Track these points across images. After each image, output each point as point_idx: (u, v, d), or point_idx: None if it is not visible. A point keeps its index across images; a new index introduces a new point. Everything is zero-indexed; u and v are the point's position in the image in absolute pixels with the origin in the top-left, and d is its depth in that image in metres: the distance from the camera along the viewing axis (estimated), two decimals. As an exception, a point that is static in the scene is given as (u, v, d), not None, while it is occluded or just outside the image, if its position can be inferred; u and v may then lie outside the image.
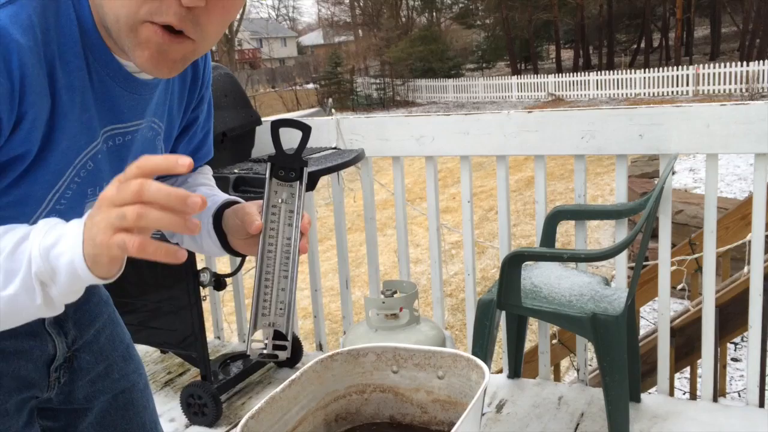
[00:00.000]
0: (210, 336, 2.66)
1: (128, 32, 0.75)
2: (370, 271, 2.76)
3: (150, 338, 2.43)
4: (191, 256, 2.27)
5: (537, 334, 2.57)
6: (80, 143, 0.81)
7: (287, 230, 0.84)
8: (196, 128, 1.05)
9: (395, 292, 2.12)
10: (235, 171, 2.25)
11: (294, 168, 0.86)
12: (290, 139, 0.93)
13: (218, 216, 0.97)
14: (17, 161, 0.76)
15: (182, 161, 0.67)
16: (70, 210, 0.85)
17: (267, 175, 0.86)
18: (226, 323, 3.12)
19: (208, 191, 1.06)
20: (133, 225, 0.65)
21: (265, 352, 0.81)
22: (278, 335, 0.82)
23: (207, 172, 1.13)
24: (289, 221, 0.85)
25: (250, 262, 2.80)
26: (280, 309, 0.82)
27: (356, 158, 2.38)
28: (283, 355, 0.81)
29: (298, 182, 0.86)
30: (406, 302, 2.07)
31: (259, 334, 0.83)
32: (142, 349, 2.94)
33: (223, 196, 1.02)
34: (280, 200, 0.85)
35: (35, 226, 0.73)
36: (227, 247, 0.97)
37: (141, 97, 0.87)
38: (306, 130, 0.88)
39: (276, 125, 0.87)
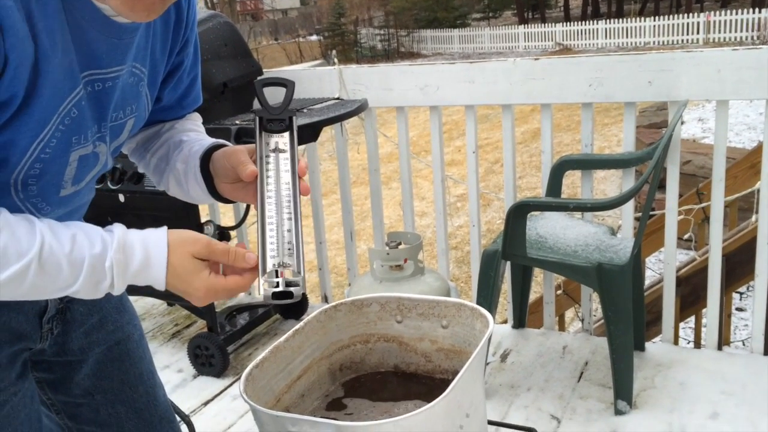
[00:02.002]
0: (216, 288, 2.67)
1: None
2: (375, 224, 2.76)
3: (156, 291, 2.44)
4: (194, 208, 2.27)
5: (542, 285, 2.57)
6: (64, 89, 0.79)
7: (285, 176, 0.86)
8: (182, 73, 1.01)
9: (399, 244, 2.12)
10: (237, 122, 2.22)
11: (282, 119, 0.88)
12: (282, 92, 0.93)
13: (205, 160, 0.96)
14: (2, 108, 0.74)
15: (250, 257, 0.83)
16: (54, 159, 0.83)
17: (256, 129, 0.88)
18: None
19: (195, 136, 1.04)
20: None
21: (278, 290, 0.81)
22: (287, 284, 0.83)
23: (196, 118, 1.11)
24: (285, 168, 0.86)
25: (254, 214, 2.79)
26: (288, 249, 0.83)
27: (359, 108, 2.34)
28: (298, 291, 0.82)
29: (288, 132, 0.88)
30: (410, 253, 2.07)
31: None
32: (149, 302, 2.97)
33: (210, 140, 1.01)
34: (272, 150, 0.87)
35: (107, 246, 0.79)
36: (214, 192, 0.97)
37: (120, 42, 0.84)
38: (290, 85, 0.92)
39: (260, 84, 0.91)
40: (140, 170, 1.09)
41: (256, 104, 2.56)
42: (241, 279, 0.84)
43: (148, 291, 2.41)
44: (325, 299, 2.93)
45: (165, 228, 0.84)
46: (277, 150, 0.88)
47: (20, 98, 0.74)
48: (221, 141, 1.00)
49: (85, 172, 0.89)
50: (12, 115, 0.75)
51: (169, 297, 2.58)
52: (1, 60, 0.70)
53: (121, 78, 0.87)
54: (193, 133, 1.05)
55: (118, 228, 0.81)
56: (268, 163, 0.87)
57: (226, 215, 4.02)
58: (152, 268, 0.81)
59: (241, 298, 2.95)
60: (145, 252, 0.81)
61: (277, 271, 0.82)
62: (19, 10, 0.70)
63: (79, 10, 0.78)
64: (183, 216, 2.19)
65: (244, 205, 2.66)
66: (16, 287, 0.75)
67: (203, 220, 2.32)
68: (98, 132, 0.87)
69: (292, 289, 0.81)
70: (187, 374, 2.39)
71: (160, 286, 0.82)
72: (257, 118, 0.88)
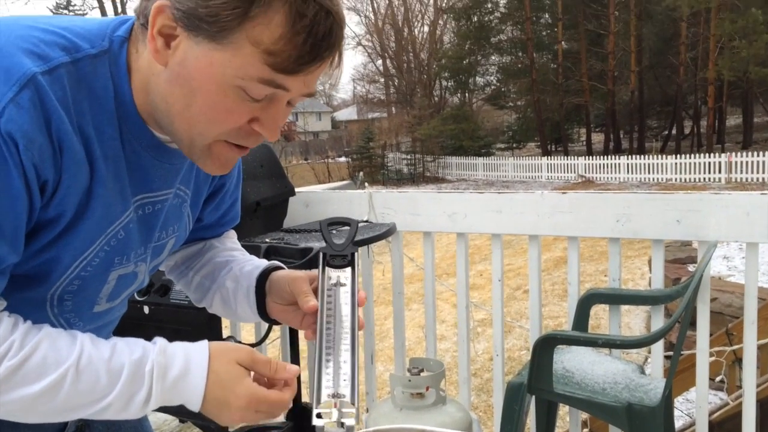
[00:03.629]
0: (230, 406, 2.61)
1: (201, 148, 0.79)
2: (396, 347, 2.71)
3: (168, 407, 2.39)
4: (217, 323, 2.26)
5: (566, 421, 2.47)
6: (114, 213, 0.82)
7: (344, 308, 0.89)
8: (224, 195, 1.05)
9: (422, 370, 2.07)
10: (267, 240, 2.25)
11: (345, 255, 0.93)
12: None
13: (261, 279, 0.99)
14: (50, 225, 0.76)
15: (291, 369, 0.83)
16: (93, 277, 0.84)
17: (320, 265, 0.92)
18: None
19: (241, 255, 1.07)
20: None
21: (333, 421, 0.81)
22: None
23: (232, 236, 1.14)
24: (345, 301, 0.89)
25: (275, 331, 2.77)
26: (344, 380, 0.84)
27: (388, 232, 2.38)
28: (351, 422, 0.82)
29: (350, 268, 0.92)
30: (433, 381, 2.01)
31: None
32: (160, 417, 2.89)
33: (263, 261, 1.04)
34: (333, 285, 0.91)
35: (147, 353, 0.79)
36: (262, 310, 0.98)
37: (172, 167, 0.88)
38: (353, 223, 0.98)
39: (325, 224, 0.97)
40: (179, 287, 1.11)
41: (287, 223, 2.62)
42: (282, 394, 0.82)
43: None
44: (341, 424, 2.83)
45: (206, 340, 0.84)
46: (338, 284, 0.91)
47: (68, 218, 0.77)
48: (277, 263, 1.03)
49: (121, 290, 0.91)
50: (59, 233, 0.77)
51: (182, 413, 2.52)
52: (56, 178, 0.73)
53: (169, 200, 0.90)
54: (238, 252, 1.08)
55: (159, 339, 0.82)
56: (329, 296, 0.90)
57: (246, 330, 4.00)
58: (192, 374, 0.79)
59: (255, 417, 2.87)
60: (185, 357, 0.79)
61: (331, 402, 0.83)
62: (77, 135, 0.74)
63: (136, 137, 0.81)
64: (206, 330, 2.18)
65: (266, 324, 2.65)
66: (51, 398, 0.74)
67: (225, 335, 2.30)
68: (143, 253, 0.89)
69: (345, 420, 0.81)
70: (192, 497, 2.29)
71: (198, 398, 0.79)
72: (321, 255, 0.92)
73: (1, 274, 0.73)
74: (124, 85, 0.79)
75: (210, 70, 0.73)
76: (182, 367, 0.79)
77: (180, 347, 0.80)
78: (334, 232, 0.99)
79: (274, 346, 3.08)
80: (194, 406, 0.79)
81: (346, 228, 0.98)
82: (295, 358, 2.56)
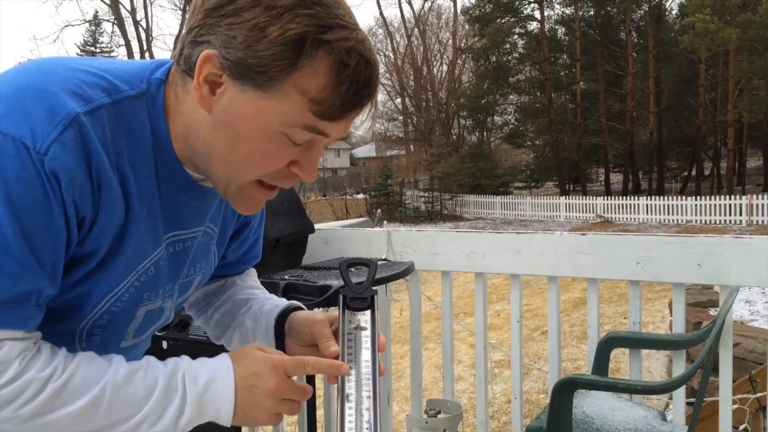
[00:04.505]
0: (245, 444, 2.58)
1: (235, 189, 0.82)
2: (413, 387, 2.68)
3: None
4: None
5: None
6: (146, 249, 0.83)
7: (365, 353, 0.89)
8: (248, 233, 1.07)
9: (439, 412, 2.05)
10: (286, 277, 2.26)
11: (365, 297, 0.92)
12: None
13: (280, 319, 1.00)
14: (84, 260, 0.78)
15: (344, 369, 0.85)
16: (123, 313, 0.86)
17: (340, 308, 0.92)
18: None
19: (261, 294, 1.07)
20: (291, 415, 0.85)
21: None
22: None
23: (253, 273, 1.15)
24: (366, 345, 0.89)
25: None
26: (367, 429, 0.83)
27: (406, 271, 2.38)
28: None
29: (369, 310, 0.92)
30: (450, 424, 1.99)
31: None
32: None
33: (283, 301, 1.05)
34: (354, 328, 0.91)
35: (179, 365, 0.82)
36: (280, 350, 0.97)
37: (203, 204, 0.90)
38: (372, 265, 0.97)
39: (344, 265, 0.97)
40: (198, 323, 1.12)
41: (306, 260, 2.63)
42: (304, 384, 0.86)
43: None
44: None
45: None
46: (358, 327, 0.91)
47: (103, 253, 0.79)
48: (296, 303, 1.04)
49: (148, 326, 0.92)
50: (93, 268, 0.79)
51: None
52: (94, 215, 0.75)
53: (198, 238, 0.92)
54: (258, 290, 1.09)
55: (184, 356, 0.85)
56: (349, 340, 0.90)
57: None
58: (220, 376, 0.81)
59: (269, 456, 2.84)
60: (210, 362, 0.83)
61: None
62: (115, 174, 0.77)
63: (170, 176, 0.84)
64: (222, 366, 2.18)
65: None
66: (91, 415, 0.76)
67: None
68: (171, 289, 0.91)
69: None
70: None
71: (230, 395, 0.81)
72: (341, 297, 0.92)
73: (39, 307, 0.75)
74: (162, 126, 0.81)
75: (257, 117, 0.76)
76: (210, 371, 0.82)
77: (203, 359, 0.84)
78: (352, 270, 0.99)
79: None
80: (227, 405, 0.81)
81: (366, 267, 0.98)
82: (311, 400, 2.54)
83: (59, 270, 0.76)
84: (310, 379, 2.53)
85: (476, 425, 2.57)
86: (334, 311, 0.95)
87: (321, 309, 1.98)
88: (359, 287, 0.93)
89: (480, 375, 2.55)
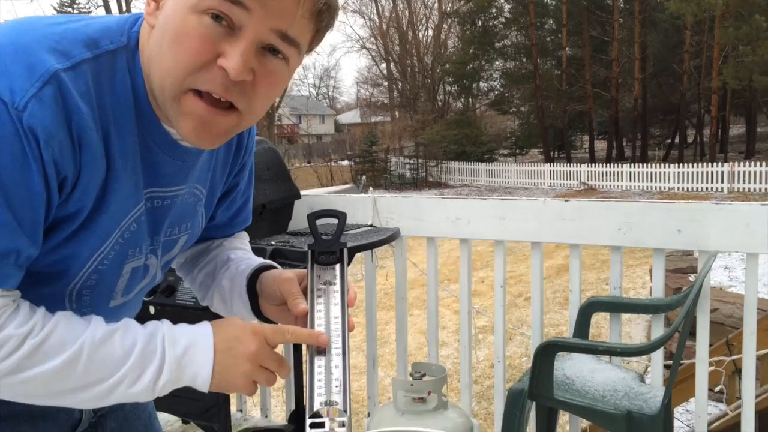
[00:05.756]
0: (232, 408, 2.63)
1: (172, 101, 0.78)
2: (398, 352, 2.73)
3: (172, 407, 2.41)
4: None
5: (564, 429, 2.49)
6: (128, 206, 0.83)
7: (334, 309, 0.86)
8: (236, 194, 1.07)
9: (424, 375, 2.09)
10: (272, 243, 2.28)
11: (333, 251, 0.89)
12: (325, 218, 0.95)
13: (253, 279, 0.99)
14: (68, 220, 0.78)
15: (323, 339, 0.83)
16: (110, 271, 0.86)
17: (309, 262, 0.89)
18: (250, 399, 3.08)
19: (242, 254, 1.08)
20: (266, 385, 0.84)
21: (326, 430, 0.79)
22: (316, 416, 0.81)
23: (243, 237, 1.15)
24: (335, 300, 0.86)
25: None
26: (336, 387, 0.81)
27: (392, 237, 2.40)
28: (343, 431, 0.80)
29: (339, 264, 0.88)
30: (434, 386, 2.03)
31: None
32: (164, 418, 2.91)
33: (258, 260, 1.05)
34: (323, 283, 0.87)
35: (158, 327, 0.82)
36: (257, 311, 0.98)
37: (183, 164, 0.89)
38: (341, 216, 0.92)
39: (312, 217, 0.91)
40: (186, 284, 1.13)
41: (292, 226, 2.64)
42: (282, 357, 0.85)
43: (164, 407, 2.38)
44: (342, 427, 2.85)
45: None
46: (328, 282, 0.87)
47: (86, 212, 0.79)
48: (269, 262, 1.03)
49: (134, 284, 0.93)
50: (77, 228, 0.79)
51: (185, 414, 2.54)
52: (76, 174, 0.75)
53: (180, 197, 0.92)
54: (240, 251, 1.09)
55: (165, 320, 0.85)
56: (318, 296, 0.86)
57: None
58: (200, 340, 0.81)
59: (257, 420, 2.89)
60: (191, 327, 0.83)
61: (324, 411, 0.80)
62: (98, 131, 0.76)
63: (150, 134, 0.83)
64: (210, 331, 2.20)
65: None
66: (68, 373, 0.76)
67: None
68: (151, 245, 0.91)
69: (338, 429, 0.79)
70: (194, 497, 2.30)
71: (208, 358, 0.81)
72: (309, 252, 0.89)
73: (18, 267, 0.75)
74: (140, 81, 0.80)
75: (175, 7, 0.76)
76: (190, 335, 0.82)
77: (183, 325, 0.84)
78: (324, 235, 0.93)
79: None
80: (206, 370, 0.80)
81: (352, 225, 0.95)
82: (297, 358, 2.58)
83: (39, 230, 0.75)
84: (297, 344, 2.56)
85: (460, 389, 2.63)
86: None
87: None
88: (328, 242, 0.89)
89: (464, 340, 2.59)
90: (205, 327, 0.83)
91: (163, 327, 0.82)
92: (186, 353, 0.80)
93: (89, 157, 0.75)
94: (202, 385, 0.81)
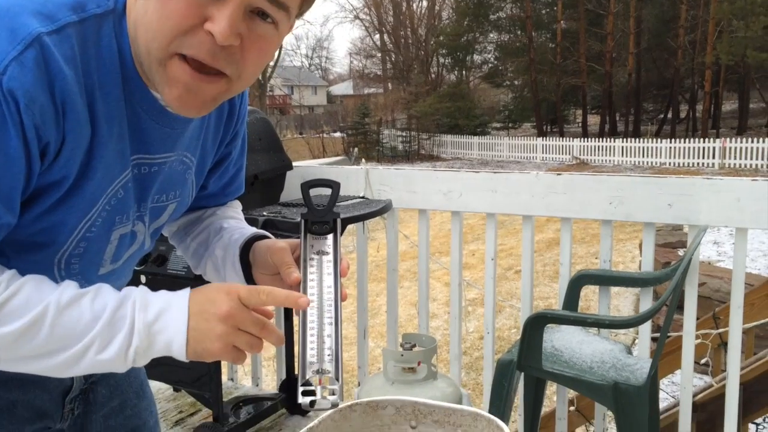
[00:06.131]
0: (223, 377, 2.65)
1: (158, 66, 0.76)
2: (389, 323, 2.75)
3: (164, 375, 2.43)
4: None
5: (553, 399, 2.52)
6: (114, 172, 0.82)
7: (327, 279, 0.85)
8: (229, 163, 1.05)
9: (414, 345, 2.10)
10: (264, 213, 2.27)
11: (327, 221, 0.88)
12: (317, 189, 0.95)
13: (246, 248, 0.98)
14: (53, 188, 0.77)
15: (303, 301, 0.80)
16: (98, 238, 0.85)
17: (302, 232, 0.88)
18: (241, 368, 3.10)
19: (235, 224, 1.08)
20: (249, 351, 0.80)
21: (317, 398, 0.79)
22: (307, 383, 0.81)
23: (236, 206, 1.14)
24: (328, 270, 0.86)
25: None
26: (329, 356, 0.81)
27: (384, 209, 2.40)
28: (335, 400, 0.79)
29: (332, 234, 0.88)
30: (424, 356, 2.05)
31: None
32: (155, 386, 2.93)
33: (251, 229, 1.04)
34: (316, 253, 0.87)
35: (131, 292, 0.79)
36: (250, 280, 0.98)
37: (172, 131, 0.88)
38: (335, 186, 0.91)
39: (306, 186, 0.90)
40: (178, 253, 1.12)
41: (284, 197, 2.64)
42: (264, 319, 0.81)
43: (156, 375, 2.39)
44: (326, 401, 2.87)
45: None
46: (321, 252, 0.87)
47: (72, 179, 0.77)
48: (262, 231, 1.02)
49: (123, 251, 0.92)
50: (63, 196, 0.78)
51: (176, 382, 2.56)
52: (59, 140, 0.74)
53: (168, 164, 0.90)
54: (233, 220, 1.08)
55: (142, 286, 0.82)
56: (311, 266, 0.86)
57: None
58: (173, 306, 0.78)
59: (248, 389, 2.91)
60: (167, 294, 0.80)
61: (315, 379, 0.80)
62: (82, 96, 0.74)
63: (137, 99, 0.82)
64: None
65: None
66: (33, 336, 0.73)
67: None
68: (137, 211, 0.90)
69: (329, 397, 0.78)
70: (185, 464, 2.33)
71: (182, 325, 0.77)
72: (302, 221, 0.88)
73: None
74: (126, 46, 0.79)
75: None
76: (164, 300, 0.78)
77: (161, 291, 0.81)
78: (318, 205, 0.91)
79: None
80: (180, 336, 0.77)
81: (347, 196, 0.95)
82: (288, 327, 2.59)
83: (17, 196, 0.73)
84: (288, 313, 2.58)
85: (449, 360, 2.65)
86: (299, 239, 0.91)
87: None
88: (321, 211, 0.88)
89: (454, 311, 2.61)
90: (182, 292, 0.80)
91: (136, 292, 0.79)
92: (158, 319, 0.77)
93: (73, 122, 0.74)
94: (178, 352, 0.77)
